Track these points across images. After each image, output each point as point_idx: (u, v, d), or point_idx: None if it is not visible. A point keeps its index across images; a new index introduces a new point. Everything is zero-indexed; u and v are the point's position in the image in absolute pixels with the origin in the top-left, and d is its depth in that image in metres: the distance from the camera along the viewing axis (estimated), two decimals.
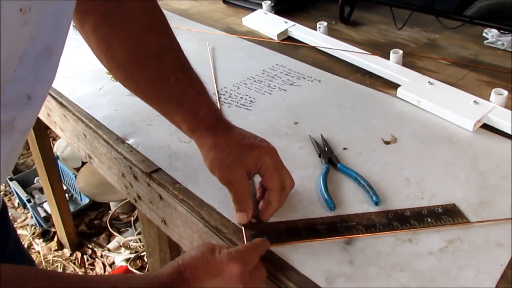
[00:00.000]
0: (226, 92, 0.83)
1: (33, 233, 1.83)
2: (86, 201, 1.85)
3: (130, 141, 0.70)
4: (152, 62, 0.56)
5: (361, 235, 0.52)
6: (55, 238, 1.78)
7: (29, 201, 1.79)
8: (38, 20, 0.37)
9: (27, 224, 1.88)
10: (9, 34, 0.32)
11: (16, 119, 0.42)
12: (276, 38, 1.05)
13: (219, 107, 0.78)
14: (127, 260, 1.64)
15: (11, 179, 1.92)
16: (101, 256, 1.72)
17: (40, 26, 0.39)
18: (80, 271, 1.67)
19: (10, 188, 1.97)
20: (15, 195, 1.95)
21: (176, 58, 0.58)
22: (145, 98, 0.59)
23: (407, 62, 0.89)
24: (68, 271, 1.68)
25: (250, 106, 0.79)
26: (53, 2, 0.40)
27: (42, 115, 0.95)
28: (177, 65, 0.57)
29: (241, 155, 0.53)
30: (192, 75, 0.58)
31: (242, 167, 0.52)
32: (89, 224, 1.85)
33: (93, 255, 1.73)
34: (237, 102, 0.80)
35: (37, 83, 0.43)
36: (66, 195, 1.74)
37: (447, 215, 0.54)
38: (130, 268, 1.60)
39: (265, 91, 0.84)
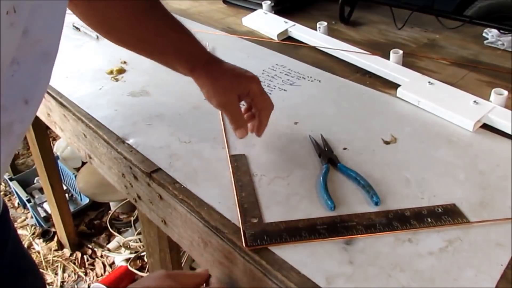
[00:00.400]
0: None
1: (33, 233, 1.83)
2: (86, 201, 1.85)
3: (130, 141, 0.70)
4: (146, 16, 0.63)
5: (361, 235, 0.52)
6: (55, 238, 1.78)
7: (29, 201, 1.79)
8: (35, 24, 0.38)
9: (27, 224, 1.88)
10: None
11: (14, 124, 0.42)
12: (276, 38, 1.05)
13: None
14: (127, 260, 1.64)
15: (11, 179, 1.92)
16: (101, 256, 1.72)
17: (38, 31, 0.39)
18: (80, 271, 1.67)
19: (10, 188, 1.97)
20: (15, 195, 1.95)
21: (165, 12, 0.65)
22: (142, 50, 0.67)
23: (407, 62, 0.89)
24: (68, 271, 1.68)
25: None
26: (44, 3, 0.40)
27: (42, 115, 0.95)
28: (167, 18, 0.65)
29: (232, 83, 0.63)
30: (179, 23, 0.66)
31: (233, 92, 0.63)
32: (89, 224, 1.85)
33: (93, 255, 1.73)
34: None
35: (34, 87, 0.43)
36: (66, 195, 1.74)
37: (447, 215, 0.54)
38: (130, 268, 1.60)
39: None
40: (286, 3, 1.19)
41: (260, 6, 1.17)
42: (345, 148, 0.67)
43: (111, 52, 0.99)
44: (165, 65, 0.68)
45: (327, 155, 0.65)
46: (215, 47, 1.01)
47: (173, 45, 0.65)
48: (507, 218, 0.54)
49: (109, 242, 1.76)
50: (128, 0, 0.62)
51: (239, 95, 0.64)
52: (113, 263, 1.70)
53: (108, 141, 0.71)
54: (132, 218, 1.78)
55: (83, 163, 1.98)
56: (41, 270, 1.65)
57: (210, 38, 1.06)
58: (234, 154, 0.66)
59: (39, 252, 1.76)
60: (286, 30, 1.05)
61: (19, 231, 1.84)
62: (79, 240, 1.77)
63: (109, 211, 1.88)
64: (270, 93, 0.83)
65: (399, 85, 0.81)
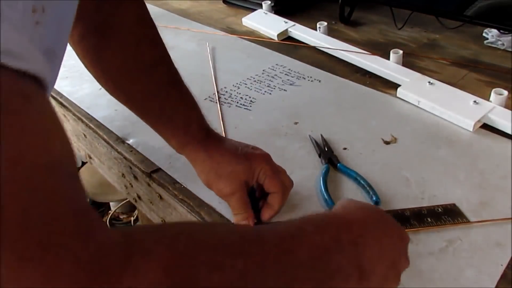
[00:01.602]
0: (226, 92, 0.84)
1: None
2: None
3: (130, 141, 0.70)
4: (144, 74, 0.55)
5: None
6: None
7: None
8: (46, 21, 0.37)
9: None
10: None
11: None
12: (276, 38, 1.05)
13: (218, 109, 0.78)
14: None
15: None
16: None
17: (45, 28, 0.38)
18: None
19: None
20: None
21: (168, 71, 0.57)
22: (135, 110, 0.59)
23: (407, 62, 0.89)
24: None
25: (250, 106, 0.79)
26: (59, 2, 0.39)
27: None
28: (168, 79, 0.57)
29: (237, 166, 0.53)
30: (183, 89, 0.57)
31: (239, 178, 0.53)
32: None
33: None
34: (237, 102, 0.80)
35: None
36: None
37: (447, 215, 0.54)
38: None
39: (265, 91, 0.84)
40: (286, 3, 1.19)
41: (260, 6, 1.17)
42: (345, 148, 0.67)
43: None
44: (157, 132, 0.59)
45: (327, 155, 0.65)
46: (215, 47, 1.01)
47: (165, 113, 0.57)
48: (507, 218, 0.54)
49: None
50: (132, 51, 0.55)
51: (246, 181, 0.54)
52: None
53: (108, 141, 0.71)
54: (132, 218, 1.78)
55: (83, 163, 1.98)
56: None
57: (210, 38, 1.06)
58: None
59: None
60: (286, 30, 1.05)
61: None
62: None
63: (109, 211, 1.88)
64: (270, 93, 0.83)
65: (399, 85, 0.81)
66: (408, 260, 0.42)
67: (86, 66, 0.56)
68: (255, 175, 0.54)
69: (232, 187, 0.53)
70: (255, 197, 0.56)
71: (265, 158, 0.55)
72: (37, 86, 0.26)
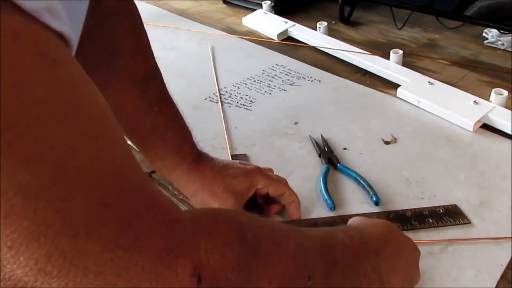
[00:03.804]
0: (226, 92, 0.84)
1: None
2: None
3: (129, 142, 0.70)
4: (136, 87, 0.52)
5: None
6: None
7: None
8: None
9: None
10: None
11: None
12: (276, 38, 1.05)
13: (219, 108, 0.78)
14: None
15: None
16: None
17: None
18: None
19: None
20: None
21: (159, 86, 0.55)
22: (123, 124, 0.54)
23: (407, 62, 0.89)
24: None
25: (250, 106, 0.79)
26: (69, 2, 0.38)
27: None
28: (160, 94, 0.54)
29: (231, 183, 0.52)
30: (174, 106, 0.55)
31: (234, 193, 0.52)
32: None
33: None
34: (237, 102, 0.80)
35: None
36: None
37: (449, 215, 0.54)
38: None
39: (265, 91, 0.84)
40: (286, 3, 1.19)
41: (260, 6, 1.17)
42: (345, 148, 0.67)
43: None
44: (142, 152, 0.56)
45: (327, 155, 0.65)
46: (215, 47, 1.01)
47: (158, 131, 0.53)
48: (507, 237, 0.54)
49: None
50: (124, 63, 0.52)
51: (241, 197, 0.53)
52: None
53: None
54: None
55: None
56: None
57: (210, 38, 1.06)
58: (234, 154, 0.66)
59: None
60: (286, 30, 1.05)
61: None
62: None
63: None
64: (270, 93, 0.83)
65: (399, 85, 0.81)
66: (420, 274, 0.44)
67: None
68: (251, 189, 0.53)
69: (228, 202, 0.52)
70: (256, 208, 0.56)
71: (258, 170, 0.54)
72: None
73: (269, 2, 1.16)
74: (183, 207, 0.58)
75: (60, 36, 0.24)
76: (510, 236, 0.52)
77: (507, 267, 0.48)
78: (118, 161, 0.24)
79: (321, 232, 0.39)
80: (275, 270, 0.29)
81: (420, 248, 0.50)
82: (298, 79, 0.87)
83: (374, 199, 0.56)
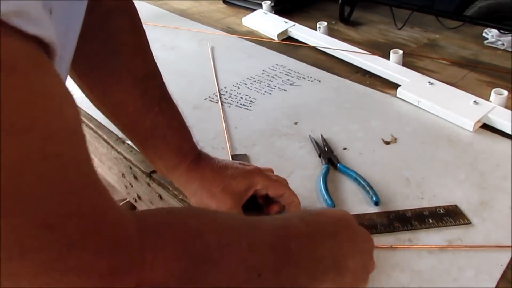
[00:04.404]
0: (226, 92, 0.84)
1: None
2: None
3: (130, 141, 0.70)
4: (137, 87, 0.52)
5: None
6: None
7: None
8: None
9: None
10: None
11: None
12: (276, 38, 1.05)
13: (220, 108, 0.78)
14: None
15: None
16: None
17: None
18: None
19: None
20: None
21: (159, 86, 0.55)
22: (124, 124, 0.55)
23: (407, 62, 0.89)
24: None
25: (250, 106, 0.79)
26: (66, 2, 0.38)
27: None
28: (160, 94, 0.54)
29: (229, 184, 0.52)
30: (174, 106, 0.55)
31: (234, 195, 0.52)
32: None
33: None
34: (237, 102, 0.80)
35: None
36: None
37: (449, 216, 0.54)
38: None
39: (265, 91, 0.84)
40: (286, 3, 1.19)
41: (260, 6, 1.17)
42: (345, 148, 0.67)
43: None
44: (142, 151, 0.57)
45: (327, 155, 0.65)
46: (215, 47, 1.01)
47: (158, 131, 0.53)
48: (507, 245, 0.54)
49: None
50: (125, 62, 0.52)
51: (240, 197, 0.53)
52: None
53: (108, 141, 0.71)
54: None
55: None
56: None
57: (210, 38, 1.06)
58: (234, 154, 0.66)
59: None
60: (286, 30, 1.05)
61: None
62: None
63: None
64: (270, 93, 0.83)
65: (399, 85, 0.81)
66: (375, 263, 0.45)
67: (71, 76, 0.52)
68: (250, 190, 0.52)
69: (227, 203, 0.51)
70: (256, 208, 0.56)
71: (257, 171, 0.54)
72: (49, 53, 0.24)
73: (269, 2, 1.16)
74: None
75: (38, 40, 0.22)
76: (510, 235, 0.52)
77: (507, 267, 0.48)
78: (70, 181, 0.23)
79: (277, 222, 0.39)
80: (223, 275, 0.30)
81: (420, 248, 0.51)
82: (298, 79, 0.87)
83: (374, 199, 0.56)
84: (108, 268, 0.23)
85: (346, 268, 0.40)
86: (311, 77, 0.88)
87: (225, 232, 0.32)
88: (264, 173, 0.54)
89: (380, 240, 0.51)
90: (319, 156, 0.65)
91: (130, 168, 0.67)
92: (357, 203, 0.57)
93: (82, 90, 0.54)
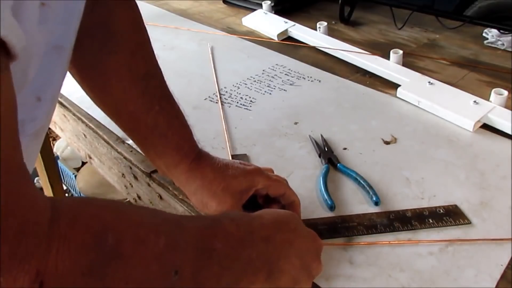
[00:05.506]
0: (226, 92, 0.84)
1: None
2: None
3: (130, 141, 0.70)
4: (137, 86, 0.52)
5: (362, 235, 0.52)
6: None
7: None
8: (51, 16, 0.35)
9: None
10: (28, 34, 0.29)
11: (25, 123, 0.39)
12: (276, 38, 1.05)
13: (220, 108, 0.78)
14: None
15: None
16: None
17: (53, 24, 0.37)
18: None
19: None
20: None
21: (160, 84, 0.54)
22: (124, 122, 0.55)
23: (407, 62, 0.89)
24: None
25: (250, 106, 0.79)
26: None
27: None
28: (161, 93, 0.54)
29: (230, 183, 0.52)
30: (175, 105, 0.55)
31: (233, 193, 0.51)
32: None
33: None
34: (237, 102, 0.80)
35: (47, 84, 0.41)
36: (66, 195, 1.74)
37: (449, 216, 0.54)
38: None
39: (265, 91, 0.84)
40: (286, 3, 1.19)
41: (260, 6, 1.17)
42: (345, 148, 0.67)
43: None
44: (143, 150, 0.57)
45: (327, 155, 0.65)
46: (215, 47, 1.01)
47: (159, 129, 0.53)
48: (507, 238, 0.54)
49: None
50: (127, 60, 0.52)
51: (240, 197, 0.52)
52: None
53: (108, 141, 0.71)
54: None
55: (83, 163, 1.98)
56: None
57: (210, 38, 1.06)
58: (234, 154, 0.66)
59: None
60: (286, 30, 1.05)
61: None
62: None
63: None
64: (270, 93, 0.83)
65: (399, 85, 0.81)
66: (321, 265, 0.44)
67: (71, 72, 0.52)
68: (251, 190, 0.52)
69: (227, 202, 0.51)
70: (256, 207, 0.55)
71: (257, 171, 0.53)
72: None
73: (269, 2, 1.16)
74: (184, 208, 0.58)
75: None
76: (510, 237, 0.52)
77: (507, 267, 0.48)
78: None
79: (204, 221, 0.39)
80: (134, 271, 0.29)
81: (420, 248, 0.51)
82: (298, 79, 0.87)
83: (374, 199, 0.56)
84: (9, 253, 0.23)
85: (279, 270, 0.40)
86: (311, 77, 0.88)
87: (143, 228, 0.32)
88: (265, 173, 0.54)
89: (380, 240, 0.52)
90: (319, 156, 0.65)
91: (130, 168, 0.67)
92: (357, 203, 0.57)
93: (83, 88, 0.54)
